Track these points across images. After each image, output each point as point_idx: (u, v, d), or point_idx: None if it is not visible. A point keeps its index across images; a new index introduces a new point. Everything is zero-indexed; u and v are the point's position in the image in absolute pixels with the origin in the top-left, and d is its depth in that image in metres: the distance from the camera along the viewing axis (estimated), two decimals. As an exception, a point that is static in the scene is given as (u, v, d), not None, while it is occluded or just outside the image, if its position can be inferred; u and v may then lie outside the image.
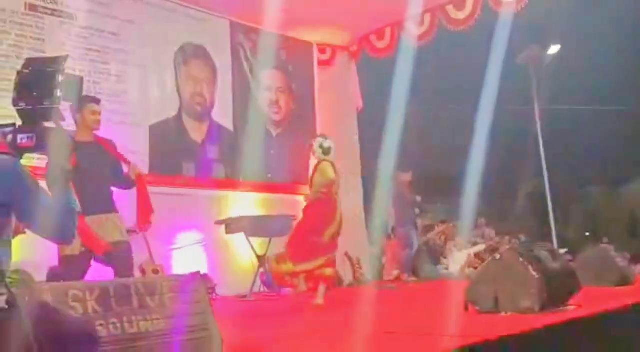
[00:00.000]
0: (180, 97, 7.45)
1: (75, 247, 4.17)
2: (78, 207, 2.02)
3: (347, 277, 8.20)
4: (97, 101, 4.63)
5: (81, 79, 2.38)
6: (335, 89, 9.20)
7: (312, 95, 9.08)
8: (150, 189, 6.59)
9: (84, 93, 4.58)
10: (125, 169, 4.74)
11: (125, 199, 4.82)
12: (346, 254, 8.03)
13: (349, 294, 6.95)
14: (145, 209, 4.72)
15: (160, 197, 6.70)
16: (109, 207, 4.50)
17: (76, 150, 4.12)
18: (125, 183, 4.70)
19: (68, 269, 4.20)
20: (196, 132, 7.57)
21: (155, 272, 5.93)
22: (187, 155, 7.44)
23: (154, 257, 6.10)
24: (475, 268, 7.63)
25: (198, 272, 2.82)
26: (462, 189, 8.16)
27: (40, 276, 4.73)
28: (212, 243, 7.20)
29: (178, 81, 7.44)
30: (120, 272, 4.30)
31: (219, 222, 7.09)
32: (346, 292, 7.19)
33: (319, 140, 5.57)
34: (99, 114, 4.56)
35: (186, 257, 6.84)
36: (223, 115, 7.89)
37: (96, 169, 4.42)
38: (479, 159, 8.12)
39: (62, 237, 2.01)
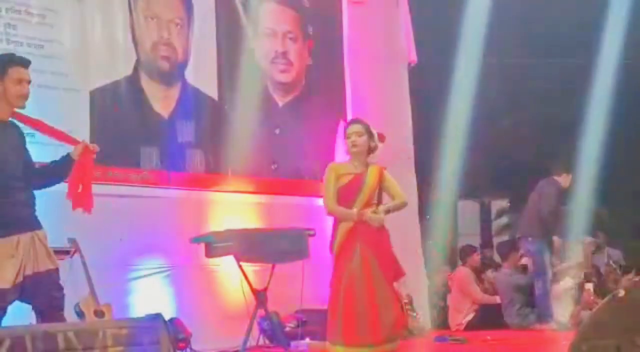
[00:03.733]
0: (136, 47, 7.51)
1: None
2: None
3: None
4: (26, 63, 4.68)
5: None
6: (376, 34, 9.22)
7: (339, 45, 9.11)
8: (92, 188, 6.75)
9: None
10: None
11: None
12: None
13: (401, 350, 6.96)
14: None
15: (107, 200, 6.78)
16: (30, 222, 4.59)
17: None
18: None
19: None
20: (162, 102, 7.61)
21: (100, 315, 6.02)
22: (148, 137, 7.50)
23: (98, 292, 6.18)
24: (591, 309, 7.64)
25: (160, 316, 2.88)
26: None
27: None
28: (186, 271, 7.26)
29: (134, 23, 7.50)
30: (47, 315, 4.42)
31: (197, 240, 7.16)
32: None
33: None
34: (28, 83, 4.62)
35: (146, 292, 6.92)
36: (202, 75, 7.93)
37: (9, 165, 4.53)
38: (593, 145, 8.03)
39: None
